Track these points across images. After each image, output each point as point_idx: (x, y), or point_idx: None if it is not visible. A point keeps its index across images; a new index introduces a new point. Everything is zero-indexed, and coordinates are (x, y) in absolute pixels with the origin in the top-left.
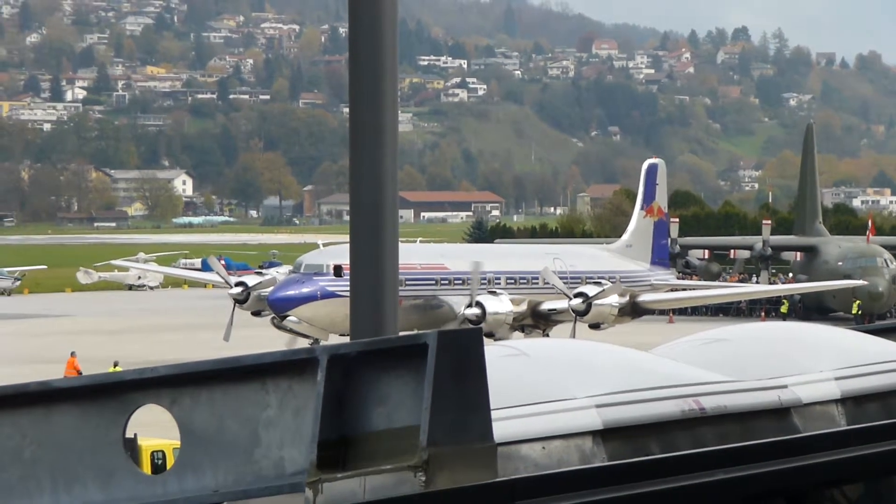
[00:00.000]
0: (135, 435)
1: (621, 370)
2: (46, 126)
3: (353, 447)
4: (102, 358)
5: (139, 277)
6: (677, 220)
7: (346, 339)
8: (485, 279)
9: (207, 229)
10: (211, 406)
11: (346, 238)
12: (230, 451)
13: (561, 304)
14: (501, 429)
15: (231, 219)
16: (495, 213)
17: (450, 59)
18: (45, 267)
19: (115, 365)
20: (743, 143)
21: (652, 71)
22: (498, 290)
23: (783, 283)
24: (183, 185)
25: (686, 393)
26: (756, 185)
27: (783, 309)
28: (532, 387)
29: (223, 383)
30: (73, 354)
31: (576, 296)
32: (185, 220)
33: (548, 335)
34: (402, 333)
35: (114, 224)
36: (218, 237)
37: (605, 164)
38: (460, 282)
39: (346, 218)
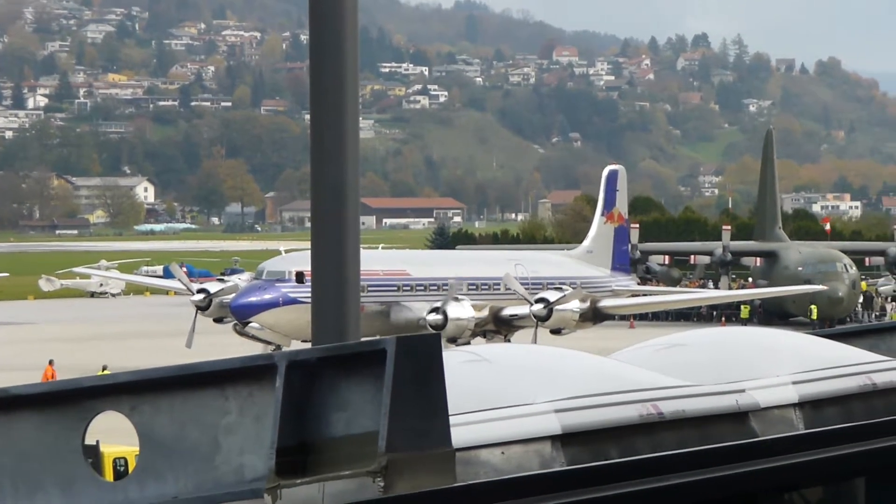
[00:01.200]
0: (97, 442)
1: (581, 375)
2: (8, 134)
3: (312, 453)
4: (66, 365)
5: (101, 285)
6: (638, 225)
7: (309, 346)
8: (445, 285)
9: (169, 236)
10: (171, 413)
11: (308, 245)
12: (190, 457)
13: (522, 309)
14: (460, 434)
15: (193, 226)
16: (457, 219)
17: (411, 65)
18: (7, 275)
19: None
20: (703, 149)
21: (612, 78)
22: (460, 297)
23: (743, 288)
24: (145, 192)
25: (645, 398)
26: (716, 191)
27: (743, 314)
28: (492, 392)
29: (183, 390)
30: (50, 363)
31: (537, 301)
32: (147, 227)
33: (509, 341)
34: (362, 340)
35: (76, 231)
36: (180, 244)
37: (566, 171)
38: (422, 288)
39: (308, 225)
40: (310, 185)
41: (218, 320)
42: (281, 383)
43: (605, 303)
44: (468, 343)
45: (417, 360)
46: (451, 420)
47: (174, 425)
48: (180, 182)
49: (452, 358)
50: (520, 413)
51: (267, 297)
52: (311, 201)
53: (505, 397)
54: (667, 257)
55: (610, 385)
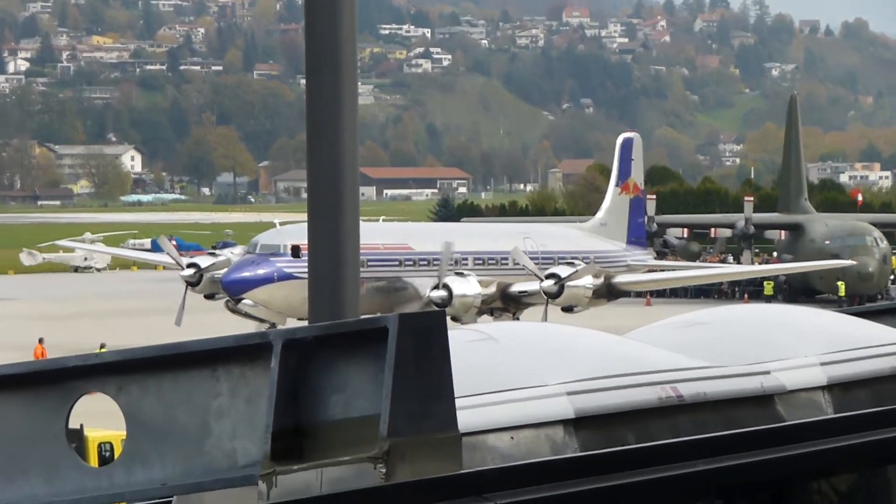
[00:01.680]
0: (81, 426)
1: (595, 355)
2: None
3: (309, 437)
4: (53, 344)
5: (85, 259)
6: (654, 196)
7: (305, 324)
8: (451, 260)
9: (157, 208)
10: (159, 394)
11: (304, 217)
12: (179, 441)
13: (532, 286)
14: (467, 418)
15: (182, 197)
16: (462, 190)
17: (412, 27)
18: None
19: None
20: (722, 115)
21: (626, 40)
22: (465, 272)
23: (767, 263)
24: (131, 161)
25: (663, 379)
26: (737, 160)
27: (767, 290)
28: (500, 373)
29: (172, 370)
30: (40, 341)
31: (547, 277)
32: (134, 198)
33: (518, 319)
34: (362, 317)
35: (58, 202)
36: (168, 216)
37: (577, 139)
38: (425, 263)
39: (304, 196)
40: (305, 153)
41: (209, 297)
42: (276, 363)
43: (620, 279)
44: (475, 321)
45: (421, 338)
46: (457, 403)
47: (163, 408)
48: (169, 150)
49: (458, 336)
50: (530, 395)
51: (261, 272)
52: (307, 171)
53: (514, 378)
54: (685, 230)
55: (625, 366)
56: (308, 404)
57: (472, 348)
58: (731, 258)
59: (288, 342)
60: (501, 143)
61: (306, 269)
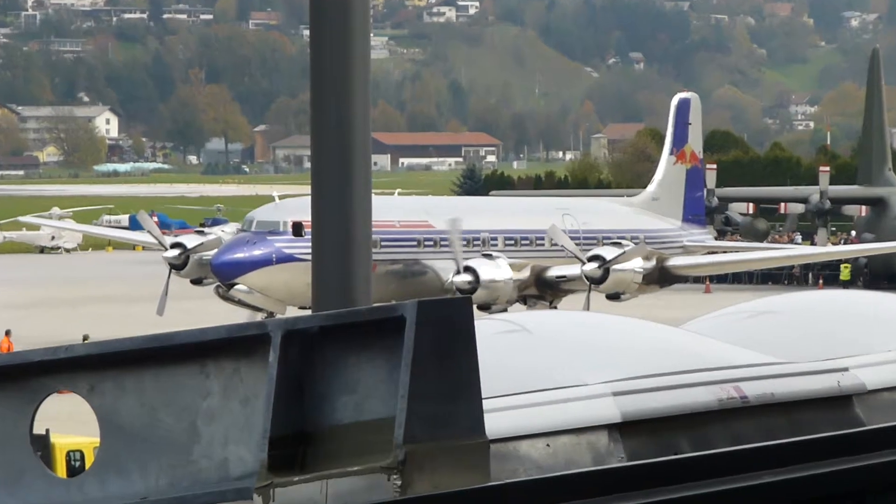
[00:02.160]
0: (47, 431)
1: (645, 350)
2: None
3: (312, 444)
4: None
5: (53, 238)
6: (715, 166)
7: (308, 313)
8: (478, 240)
9: (136, 179)
10: (139, 394)
11: (308, 190)
12: (162, 448)
13: (572, 269)
14: (496, 422)
15: (165, 166)
16: (491, 158)
17: None
18: None
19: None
20: (794, 72)
21: None
22: (494, 253)
23: (845, 243)
24: (106, 124)
25: (724, 377)
26: (811, 124)
27: (844, 275)
28: (534, 370)
29: (154, 366)
30: (7, 333)
31: (590, 260)
32: (110, 167)
33: (555, 308)
34: (375, 305)
35: (22, 172)
36: (149, 188)
37: (625, 99)
38: (448, 243)
39: (308, 165)
40: (309, 117)
41: (196, 282)
42: (275, 358)
43: (675, 261)
44: (505, 311)
45: (443, 329)
46: (485, 405)
47: (143, 409)
48: (150, 112)
49: (486, 328)
50: (569, 396)
51: (257, 253)
52: (311, 137)
53: (551, 377)
54: (750, 205)
55: (680, 362)
56: (312, 406)
57: (502, 341)
58: (800, 238)
59: (289, 333)
60: (537, 104)
61: (310, 250)
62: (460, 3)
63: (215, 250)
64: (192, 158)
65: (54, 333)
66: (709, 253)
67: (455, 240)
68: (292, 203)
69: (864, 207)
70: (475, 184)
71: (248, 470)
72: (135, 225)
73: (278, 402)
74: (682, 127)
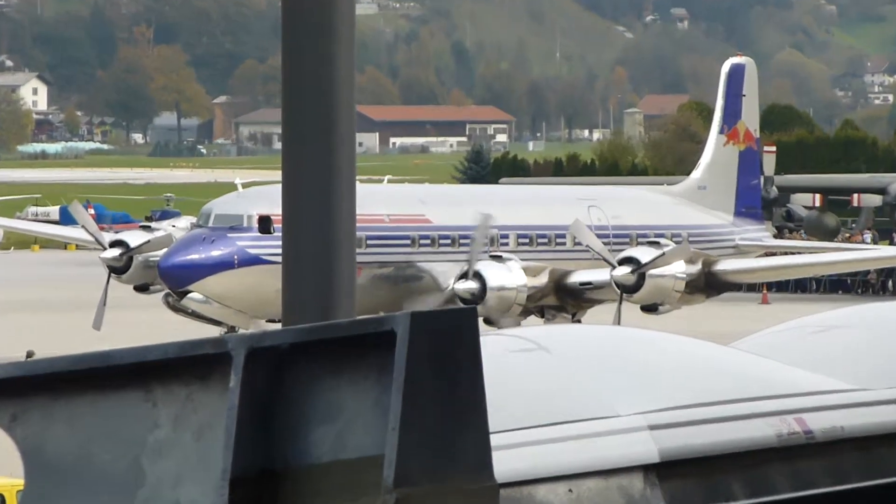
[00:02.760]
0: None
1: (688, 374)
2: None
3: (282, 486)
4: None
5: None
6: (774, 148)
7: (278, 326)
8: (487, 239)
9: (69, 162)
10: (71, 424)
11: (278, 176)
12: (100, 490)
13: (599, 274)
14: (508, 461)
15: (105, 146)
16: (501, 138)
17: None
18: None
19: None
20: (869, 34)
21: None
22: (505, 254)
23: None
24: (34, 95)
25: (783, 408)
26: (889, 98)
27: None
28: (554, 398)
29: (89, 391)
30: None
31: (621, 263)
32: (37, 147)
33: (579, 321)
34: (360, 317)
35: None
36: (85, 173)
37: (665, 65)
38: (448, 241)
39: (278, 145)
40: (280, 86)
41: (141, 288)
42: (237, 382)
43: (725, 265)
44: (518, 325)
45: (442, 347)
46: (494, 440)
47: (76, 443)
48: (87, 80)
49: (496, 346)
50: (596, 430)
51: (215, 253)
52: (282, 110)
53: (573, 406)
54: (817, 196)
55: (731, 389)
56: (282, 439)
57: (514, 362)
58: (873, 237)
59: (254, 352)
60: (558, 70)
61: (280, 250)
62: None
63: (164, 250)
64: (138, 137)
65: None
66: (766, 255)
67: (479, 238)
68: (259, 192)
69: None
70: (482, 169)
71: None
72: (66, 218)
73: (241, 434)
74: (734, 99)
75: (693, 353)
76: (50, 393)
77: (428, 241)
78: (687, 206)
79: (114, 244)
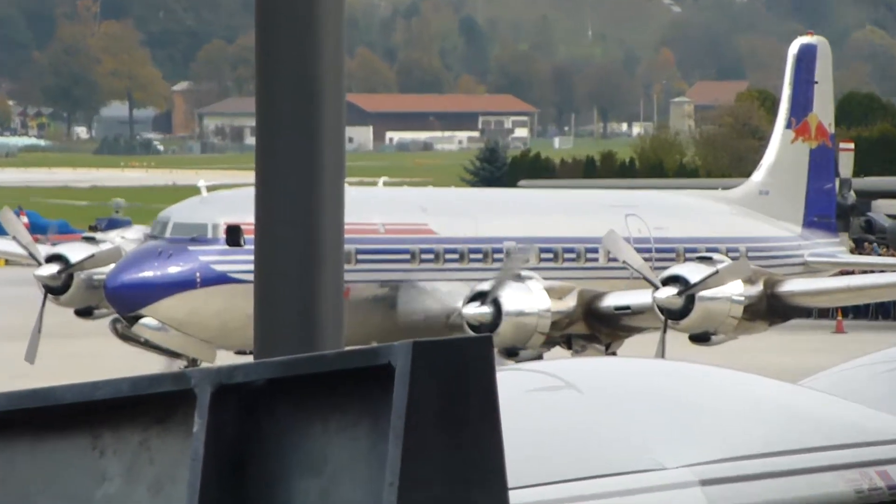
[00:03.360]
0: None
1: (745, 418)
2: None
3: None
4: None
5: None
6: (852, 145)
7: (250, 359)
8: (499, 251)
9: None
10: (9, 475)
11: (250, 177)
12: None
13: (639, 297)
14: None
15: (41, 142)
16: (521, 133)
17: None
18: None
19: None
20: None
21: None
22: (524, 272)
23: None
24: None
25: (864, 458)
26: None
27: None
28: (586, 447)
29: (25, 437)
30: None
31: (665, 282)
32: None
33: (614, 354)
34: (349, 348)
35: None
36: (17, 174)
37: (719, 46)
38: (456, 256)
39: (250, 141)
40: (254, 70)
41: (84, 312)
42: (202, 426)
43: (791, 286)
44: (540, 357)
45: (451, 384)
46: (513, 497)
47: (12, 498)
48: (19, 63)
49: (515, 383)
50: (637, 486)
51: (173, 270)
52: (255, 100)
53: (610, 457)
54: None
55: (799, 436)
56: (256, 496)
57: (538, 403)
58: None
59: (222, 390)
60: (590, 52)
61: (251, 267)
62: None
63: (112, 266)
64: (81, 131)
65: None
66: (841, 273)
67: (512, 262)
68: (227, 197)
69: None
70: (497, 169)
71: None
72: None
73: (206, 489)
74: (803, 87)
75: (752, 393)
76: None
77: (431, 256)
78: (746, 215)
79: (51, 259)
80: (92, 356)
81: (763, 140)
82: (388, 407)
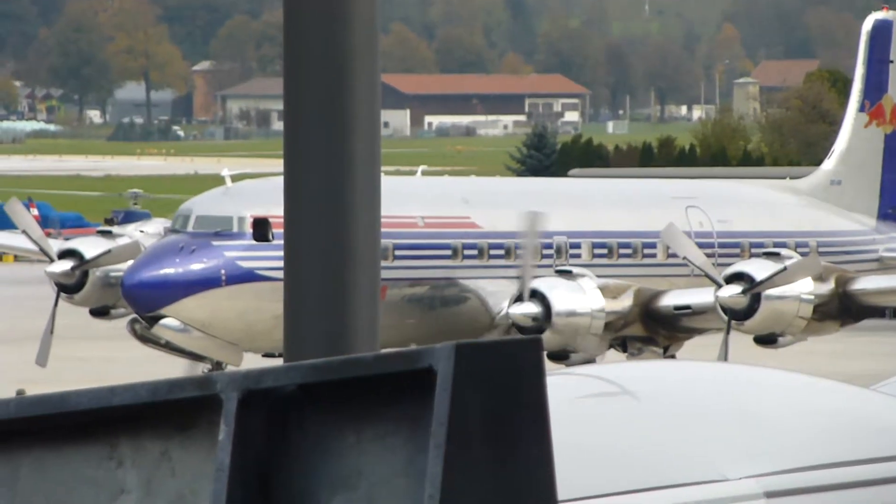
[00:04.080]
0: None
1: (814, 426)
2: None
3: None
4: None
5: None
6: None
7: (278, 362)
8: (549, 247)
9: (5, 148)
10: (13, 490)
11: (277, 166)
12: None
13: (700, 296)
14: None
15: (51, 127)
16: (571, 116)
17: None
18: None
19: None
20: None
21: None
22: (576, 269)
23: None
24: None
25: None
26: None
27: None
28: (645, 457)
29: (37, 447)
30: None
31: (729, 280)
32: None
33: (673, 357)
34: (386, 350)
35: None
36: (25, 162)
37: (787, 23)
38: (502, 252)
39: (277, 126)
40: (281, 49)
41: (100, 312)
42: (228, 435)
43: (865, 284)
44: (593, 361)
45: (497, 390)
46: None
47: None
48: (25, 41)
49: (567, 389)
50: (699, 498)
51: (196, 267)
52: (283, 80)
53: (670, 468)
54: None
55: (873, 445)
56: None
57: (591, 410)
58: None
59: (250, 395)
60: (647, 28)
61: (280, 264)
62: None
63: (129, 263)
64: (94, 115)
65: None
66: None
67: (528, 245)
68: (253, 188)
69: None
70: (546, 157)
71: None
72: (0, 221)
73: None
74: (878, 67)
75: (821, 400)
76: None
77: (474, 252)
78: (816, 207)
79: (63, 255)
80: (107, 360)
81: (834, 125)
82: (429, 415)
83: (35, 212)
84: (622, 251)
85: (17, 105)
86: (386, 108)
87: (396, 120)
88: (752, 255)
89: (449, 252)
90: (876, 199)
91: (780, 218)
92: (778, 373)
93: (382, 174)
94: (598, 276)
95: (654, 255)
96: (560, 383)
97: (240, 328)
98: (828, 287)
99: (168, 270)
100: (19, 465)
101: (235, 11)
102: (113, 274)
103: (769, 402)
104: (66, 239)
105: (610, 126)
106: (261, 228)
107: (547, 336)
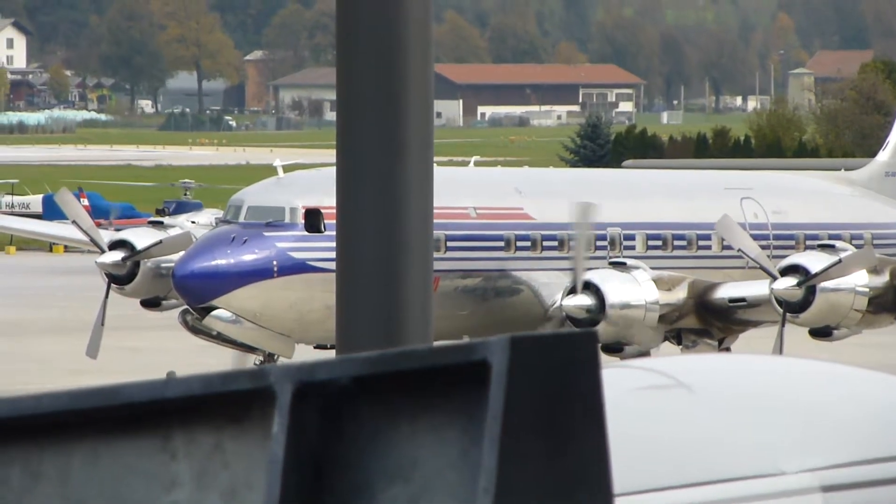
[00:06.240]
0: None
1: (871, 419)
2: None
3: None
4: None
5: None
6: None
7: (330, 354)
8: (603, 238)
9: (56, 137)
10: (63, 483)
11: (330, 156)
12: None
13: (755, 288)
14: None
15: (102, 116)
16: (625, 107)
17: None
18: None
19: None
20: None
21: None
22: (630, 261)
23: None
24: (8, 48)
25: None
26: None
27: None
28: (700, 450)
29: (87, 439)
30: None
31: (784, 272)
32: (13, 117)
33: (728, 350)
34: (439, 343)
35: None
36: (76, 152)
37: (842, 11)
38: (555, 244)
39: (330, 117)
40: (334, 38)
41: (151, 304)
42: (282, 427)
43: None
44: (647, 354)
45: (553, 384)
46: None
47: None
48: (77, 31)
49: (622, 382)
50: (755, 493)
51: (248, 258)
52: (336, 70)
53: (725, 462)
54: None
55: None
56: (340, 501)
57: (647, 403)
58: None
59: (304, 388)
60: (701, 18)
61: (333, 255)
62: None
63: (181, 253)
64: (146, 104)
65: None
66: None
67: (581, 237)
68: (305, 178)
69: None
70: (600, 147)
71: None
72: (51, 211)
73: (287, 496)
74: None
75: (878, 393)
76: (34, 442)
77: (527, 244)
78: (872, 199)
79: (114, 245)
80: (158, 351)
81: (889, 116)
82: (483, 408)
83: (85, 202)
84: (676, 243)
85: (68, 94)
86: (438, 99)
87: (449, 110)
88: (806, 248)
89: (502, 243)
90: None
91: (835, 210)
92: (834, 366)
93: (435, 165)
94: (653, 269)
95: (708, 247)
96: (614, 376)
97: (291, 319)
98: (883, 279)
99: (220, 261)
100: (72, 458)
101: (288, 0)
102: (164, 265)
103: (825, 396)
104: (117, 229)
105: (664, 116)
106: (313, 219)
107: (601, 328)
